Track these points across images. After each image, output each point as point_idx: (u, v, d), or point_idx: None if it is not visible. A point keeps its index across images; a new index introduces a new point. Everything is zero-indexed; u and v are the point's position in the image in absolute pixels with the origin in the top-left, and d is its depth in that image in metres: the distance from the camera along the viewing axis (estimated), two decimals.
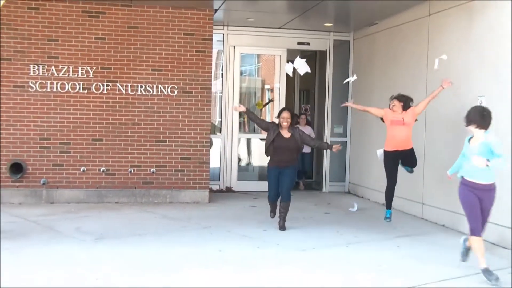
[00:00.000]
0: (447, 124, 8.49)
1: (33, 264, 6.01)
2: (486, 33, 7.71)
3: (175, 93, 10.16)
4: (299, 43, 12.18)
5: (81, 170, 9.89)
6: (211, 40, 10.35)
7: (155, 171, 10.10)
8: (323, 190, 12.18)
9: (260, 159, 13.56)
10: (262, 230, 8.00)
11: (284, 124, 7.93)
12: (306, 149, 11.68)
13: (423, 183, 9.18)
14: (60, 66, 9.80)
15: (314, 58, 13.81)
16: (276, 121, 8.25)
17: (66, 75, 9.81)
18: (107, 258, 6.33)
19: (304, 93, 14.96)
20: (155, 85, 10.11)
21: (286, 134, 7.98)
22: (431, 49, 9.07)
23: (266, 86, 14.73)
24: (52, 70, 9.77)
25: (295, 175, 8.38)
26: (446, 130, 8.52)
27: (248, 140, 12.93)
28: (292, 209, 9.75)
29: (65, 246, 6.81)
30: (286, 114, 7.97)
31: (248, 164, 13.10)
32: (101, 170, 9.95)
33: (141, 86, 10.06)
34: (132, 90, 10.04)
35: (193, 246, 6.92)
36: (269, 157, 8.12)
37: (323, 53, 12.75)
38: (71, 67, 9.83)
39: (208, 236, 7.55)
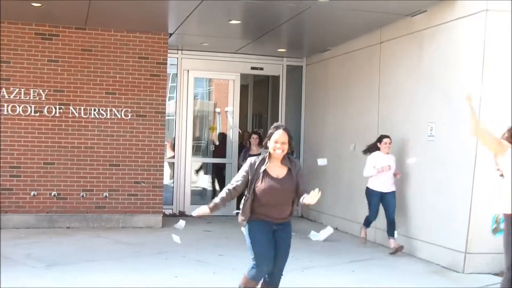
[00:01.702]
0: (398, 149, 8.67)
1: None
2: (436, 60, 7.97)
3: (129, 117, 10.09)
4: (252, 68, 12.31)
5: (32, 194, 9.67)
6: (166, 64, 10.35)
7: (107, 195, 9.97)
8: None
9: (216, 182, 13.58)
10: (217, 255, 7.97)
11: (278, 152, 4.88)
12: None
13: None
14: (11, 88, 9.61)
15: (267, 82, 14.01)
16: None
17: (18, 98, 9.63)
18: (59, 286, 6.18)
19: (257, 117, 15.09)
20: (108, 109, 10.02)
21: (278, 169, 4.94)
22: (382, 76, 9.32)
23: (217, 110, 14.82)
24: (3, 92, 9.57)
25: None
26: (399, 158, 8.64)
27: (206, 164, 12.91)
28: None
29: (16, 273, 6.61)
30: (282, 137, 4.87)
31: (202, 187, 13.08)
32: (52, 194, 9.76)
33: (95, 110, 9.96)
34: (85, 113, 9.92)
35: (148, 272, 6.85)
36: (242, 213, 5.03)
37: (275, 78, 12.92)
38: (22, 90, 9.65)
39: (163, 261, 7.48)
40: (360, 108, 9.97)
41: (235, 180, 5.03)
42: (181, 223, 8.68)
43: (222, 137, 13.00)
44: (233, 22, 9.26)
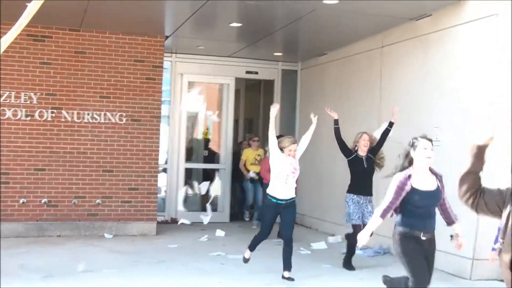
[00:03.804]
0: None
1: None
2: (443, 64, 7.83)
3: (124, 121, 9.80)
4: (247, 72, 12.11)
5: (21, 201, 9.31)
6: (162, 67, 10.09)
7: (100, 202, 9.66)
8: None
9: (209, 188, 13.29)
10: (219, 264, 7.73)
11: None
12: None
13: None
14: (1, 92, 9.26)
15: (259, 87, 13.81)
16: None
17: (8, 101, 9.28)
18: None
19: (248, 122, 14.88)
20: (102, 113, 9.72)
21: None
22: (384, 81, 9.16)
23: (209, 113, 14.54)
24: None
25: None
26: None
27: (195, 170, 12.65)
28: (245, 240, 9.55)
29: (11, 286, 6.29)
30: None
31: (194, 194, 12.80)
32: (42, 201, 9.42)
33: (88, 114, 9.66)
34: (78, 118, 9.61)
35: (150, 283, 6.58)
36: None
37: (268, 82, 12.73)
38: (13, 93, 9.31)
39: (164, 271, 7.21)
40: (359, 113, 9.80)
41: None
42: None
43: (206, 143, 12.86)
44: (233, 24, 9.03)
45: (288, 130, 12.15)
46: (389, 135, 7.98)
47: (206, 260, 7.91)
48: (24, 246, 8.54)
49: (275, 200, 6.94)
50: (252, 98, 14.33)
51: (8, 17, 8.84)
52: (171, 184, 11.44)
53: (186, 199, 11.55)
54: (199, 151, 12.78)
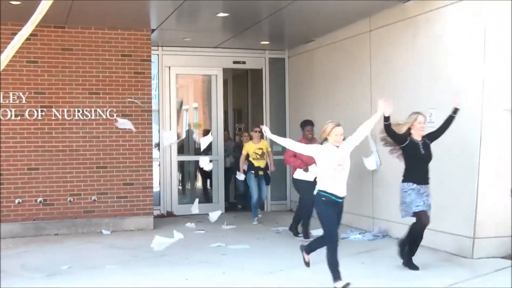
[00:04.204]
0: None
1: None
2: (433, 46, 7.86)
3: (115, 117, 9.73)
4: (234, 62, 12.10)
5: (16, 202, 9.26)
6: (150, 61, 10.05)
7: (96, 199, 9.62)
8: (265, 210, 12.06)
9: (200, 180, 13.35)
10: (220, 254, 7.74)
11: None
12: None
13: (373, 197, 9.23)
14: None
15: (246, 77, 13.80)
16: None
17: None
18: None
19: (236, 112, 14.87)
20: (93, 109, 9.66)
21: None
22: (374, 64, 9.20)
23: (194, 105, 14.58)
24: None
25: None
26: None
27: (188, 162, 12.67)
28: (242, 230, 9.62)
29: (15, 286, 6.27)
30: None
31: (189, 186, 12.83)
32: (38, 201, 9.36)
33: (78, 111, 9.59)
34: (68, 115, 9.54)
35: (155, 276, 6.58)
36: None
37: (255, 72, 12.74)
38: (1, 93, 9.21)
39: (167, 264, 7.21)
40: (350, 98, 9.84)
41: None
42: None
43: (205, 134, 12.77)
44: (220, 15, 9.00)
45: (277, 118, 12.19)
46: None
47: (207, 252, 7.91)
48: (22, 246, 8.50)
49: (334, 198, 5.84)
50: (239, 88, 14.32)
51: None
52: (165, 177, 11.41)
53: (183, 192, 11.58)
54: (190, 144, 12.78)
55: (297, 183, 8.89)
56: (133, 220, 9.81)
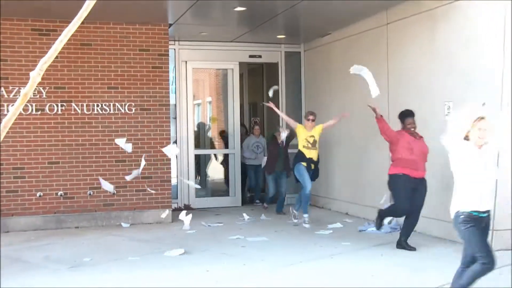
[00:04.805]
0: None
1: None
2: (452, 38, 7.87)
3: (133, 111, 9.85)
4: (250, 56, 12.14)
5: (37, 195, 9.39)
6: (167, 55, 10.13)
7: (115, 192, 9.73)
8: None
9: (217, 174, 13.46)
10: (240, 246, 7.83)
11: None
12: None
13: None
14: (10, 87, 9.30)
15: (261, 71, 13.84)
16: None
17: (17, 96, 9.28)
18: (92, 286, 5.99)
19: (251, 106, 14.93)
20: (111, 104, 9.77)
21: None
22: (391, 57, 9.22)
23: (208, 99, 14.69)
24: (2, 91, 9.26)
25: None
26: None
27: (205, 156, 12.76)
28: (260, 223, 9.69)
29: (40, 277, 6.39)
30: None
31: (206, 180, 12.92)
32: (58, 194, 9.49)
33: (97, 105, 9.70)
34: (88, 110, 9.66)
35: (177, 268, 6.67)
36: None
37: (270, 65, 12.79)
38: (22, 88, 9.34)
39: (187, 256, 7.30)
40: (367, 91, 9.84)
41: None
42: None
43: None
44: (238, 9, 9.06)
45: (293, 112, 12.23)
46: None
47: (226, 244, 8.00)
48: (44, 238, 8.63)
49: (476, 214, 4.64)
50: (255, 82, 14.36)
51: (4, 12, 8.92)
52: (182, 171, 11.51)
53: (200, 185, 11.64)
54: (207, 137, 12.87)
55: (395, 182, 7.53)
56: (152, 213, 9.91)
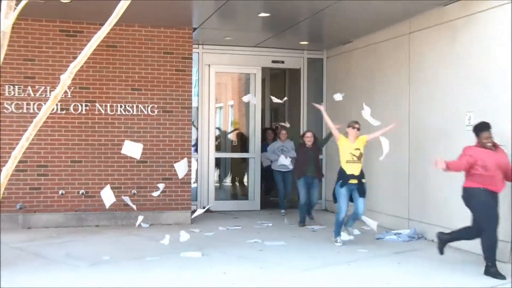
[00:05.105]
0: (435, 143, 8.59)
1: None
2: (472, 49, 7.89)
3: (155, 113, 9.99)
4: (273, 61, 12.24)
5: (60, 193, 9.57)
6: (191, 59, 10.25)
7: (136, 192, 9.87)
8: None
9: (237, 177, 13.53)
10: (257, 250, 7.90)
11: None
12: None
13: (409, 199, 9.28)
14: (37, 87, 9.49)
15: (284, 76, 13.93)
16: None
17: (43, 96, 9.50)
18: (111, 284, 6.10)
19: (273, 111, 15.01)
20: (134, 105, 9.92)
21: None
22: (413, 66, 9.24)
23: (230, 103, 14.78)
24: (29, 90, 9.46)
25: None
26: (434, 149, 8.59)
27: (225, 159, 12.86)
28: (278, 228, 9.76)
29: (60, 273, 6.53)
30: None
31: (225, 183, 13.01)
32: (80, 192, 9.66)
33: (121, 106, 9.86)
34: (111, 110, 9.82)
35: (195, 269, 6.77)
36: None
37: (292, 71, 12.86)
38: (48, 88, 9.53)
39: (205, 258, 7.39)
40: (388, 100, 9.89)
41: None
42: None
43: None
44: (262, 15, 9.15)
45: (314, 118, 12.29)
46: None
47: (244, 247, 8.08)
48: (65, 235, 8.79)
49: None
50: (277, 87, 14.44)
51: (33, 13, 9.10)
52: (202, 173, 11.63)
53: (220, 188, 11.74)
54: (228, 141, 12.97)
55: (475, 197, 6.69)
56: (171, 214, 10.04)
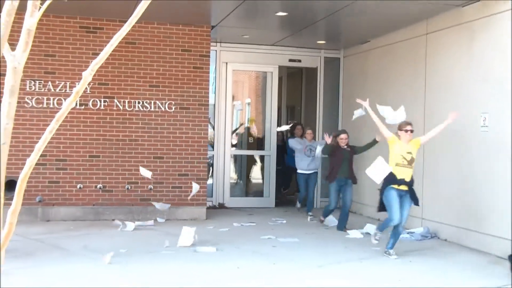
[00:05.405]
0: (449, 143, 8.62)
1: (54, 284, 5.88)
2: (490, 50, 7.92)
3: (173, 109, 10.13)
4: (290, 60, 12.32)
5: (78, 187, 9.75)
6: (209, 56, 10.37)
7: (152, 187, 10.02)
8: (315, 206, 12.21)
9: (252, 174, 13.63)
10: (271, 246, 8.00)
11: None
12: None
13: (423, 198, 9.31)
14: (57, 82, 9.67)
15: (300, 75, 14.00)
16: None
17: (63, 91, 9.68)
18: (128, 276, 6.24)
19: (289, 109, 15.10)
20: (152, 101, 10.07)
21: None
22: (429, 67, 9.28)
23: (247, 101, 14.85)
24: (49, 85, 9.64)
25: None
26: (449, 149, 8.64)
27: (240, 156, 12.97)
28: (292, 225, 9.84)
29: (79, 264, 6.69)
30: None
31: (241, 180, 13.12)
32: (97, 187, 9.83)
33: (139, 102, 10.01)
34: (129, 106, 9.97)
35: (209, 263, 6.88)
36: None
37: (309, 70, 12.93)
38: (68, 83, 9.70)
39: (219, 252, 7.51)
40: (403, 100, 9.88)
41: None
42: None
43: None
44: (280, 14, 9.24)
45: (330, 116, 12.36)
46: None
47: (258, 243, 8.18)
48: (83, 228, 8.97)
49: None
50: (293, 86, 14.54)
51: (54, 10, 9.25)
52: (218, 170, 11.75)
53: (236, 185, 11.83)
54: (244, 138, 13.08)
55: None
56: (187, 209, 10.17)
